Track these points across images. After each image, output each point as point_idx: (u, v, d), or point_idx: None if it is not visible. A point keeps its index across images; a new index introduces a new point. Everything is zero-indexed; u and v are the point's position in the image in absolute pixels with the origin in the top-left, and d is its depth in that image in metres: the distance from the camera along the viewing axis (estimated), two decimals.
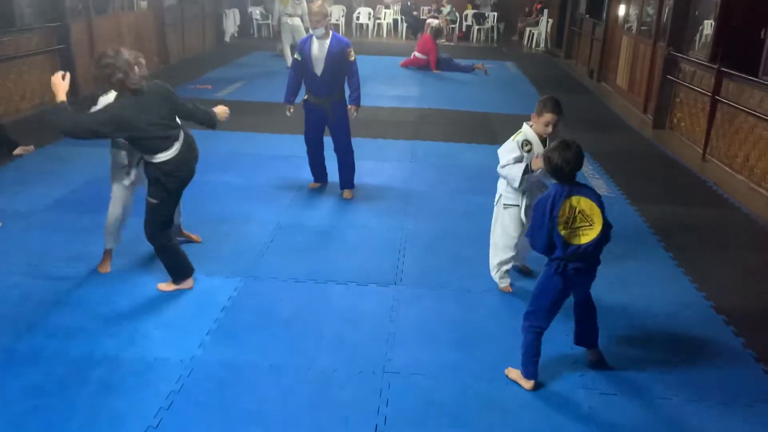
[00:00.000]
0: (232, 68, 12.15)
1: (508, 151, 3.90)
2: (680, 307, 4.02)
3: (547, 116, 3.80)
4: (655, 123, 8.62)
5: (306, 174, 5.93)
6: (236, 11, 16.36)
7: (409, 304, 3.93)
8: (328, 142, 5.74)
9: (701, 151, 7.23)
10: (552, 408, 3.04)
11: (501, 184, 4.06)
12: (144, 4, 11.83)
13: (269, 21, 16.88)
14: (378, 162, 6.69)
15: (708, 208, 5.75)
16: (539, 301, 3.14)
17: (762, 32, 6.27)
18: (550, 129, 3.85)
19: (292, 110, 5.65)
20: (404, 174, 6.39)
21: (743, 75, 6.49)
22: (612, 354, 3.46)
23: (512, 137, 3.95)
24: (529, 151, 3.85)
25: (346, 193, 5.70)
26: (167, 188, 3.74)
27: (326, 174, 5.91)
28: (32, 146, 4.16)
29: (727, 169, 6.72)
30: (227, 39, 15.70)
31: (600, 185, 6.20)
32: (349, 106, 5.62)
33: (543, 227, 3.02)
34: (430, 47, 12.40)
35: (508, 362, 3.35)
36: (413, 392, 3.10)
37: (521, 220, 3.97)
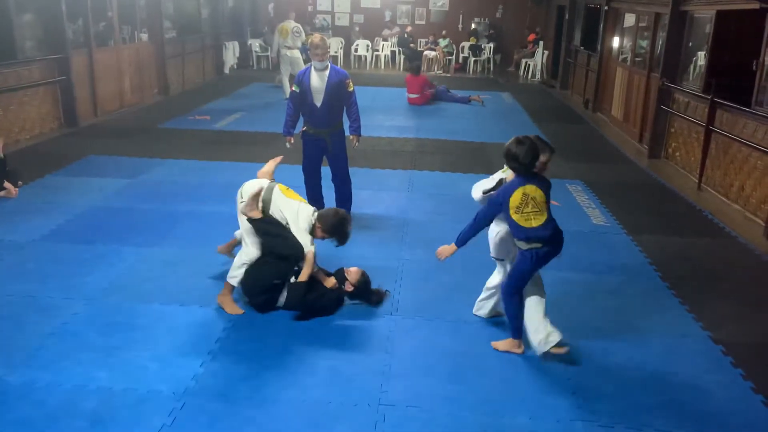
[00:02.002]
0: (231, 99, 12.27)
1: (487, 180, 3.87)
2: (678, 337, 4.00)
3: (544, 157, 3.64)
4: (651, 153, 8.68)
5: None
6: (236, 44, 16.57)
7: (405, 335, 3.91)
8: (325, 172, 5.77)
9: (697, 181, 7.27)
10: None
11: (490, 243, 3.97)
12: (145, 37, 12.00)
13: (268, 53, 17.08)
14: (375, 192, 6.72)
15: (704, 238, 5.76)
16: (519, 281, 3.59)
17: (753, 64, 6.36)
18: (545, 168, 3.71)
19: (292, 141, 5.69)
20: (401, 204, 6.41)
21: (736, 106, 6.56)
22: (610, 384, 3.43)
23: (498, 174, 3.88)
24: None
25: None
26: None
27: (323, 204, 5.92)
28: (16, 190, 4.19)
29: (722, 198, 6.74)
30: (227, 71, 15.87)
31: (596, 215, 6.22)
32: (350, 137, 5.67)
33: (492, 206, 3.58)
34: (420, 83, 12.39)
35: (504, 393, 3.33)
36: (409, 425, 3.07)
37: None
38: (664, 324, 4.14)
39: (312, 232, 4.08)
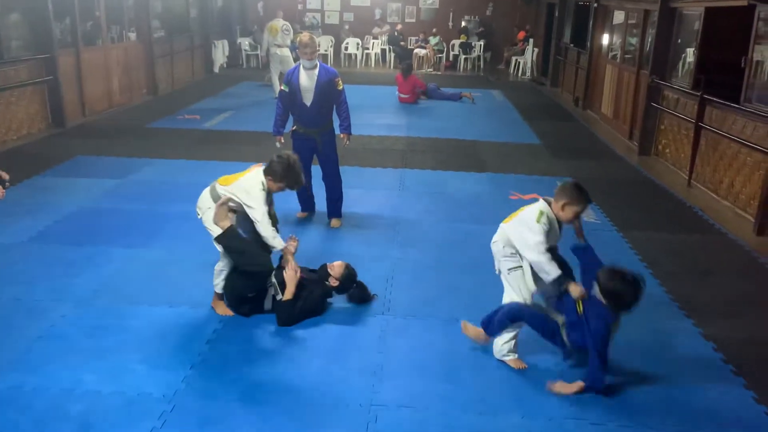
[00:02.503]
0: (221, 98, 12.21)
1: (532, 232, 3.43)
2: (669, 334, 4.00)
3: (578, 208, 3.48)
4: (641, 150, 8.71)
5: (293, 203, 5.91)
6: (225, 42, 16.49)
7: (398, 334, 3.89)
8: (315, 171, 5.74)
9: (687, 178, 7.30)
10: None
11: (497, 252, 3.64)
12: (133, 36, 11.91)
13: (258, 52, 17.01)
14: (366, 190, 6.69)
15: (694, 234, 5.78)
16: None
17: (742, 60, 6.38)
18: (575, 219, 3.55)
19: (282, 141, 5.65)
20: (392, 202, 6.39)
21: (725, 102, 6.59)
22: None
23: (533, 216, 3.48)
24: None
25: (334, 222, 5.68)
26: None
27: (314, 203, 5.90)
28: (3, 191, 4.13)
29: (712, 194, 6.77)
30: (216, 70, 15.79)
31: (587, 212, 6.21)
32: (341, 135, 5.64)
33: (604, 341, 3.27)
34: (411, 85, 12.37)
35: (497, 392, 3.32)
36: (401, 425, 3.05)
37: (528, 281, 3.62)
38: (654, 321, 4.14)
39: (267, 191, 3.98)
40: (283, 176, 3.95)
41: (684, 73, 8.28)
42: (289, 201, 6.00)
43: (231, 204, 3.96)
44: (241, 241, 3.93)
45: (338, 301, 4.24)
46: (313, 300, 4.01)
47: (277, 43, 11.96)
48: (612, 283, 3.24)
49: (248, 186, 3.94)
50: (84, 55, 9.81)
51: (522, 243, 3.47)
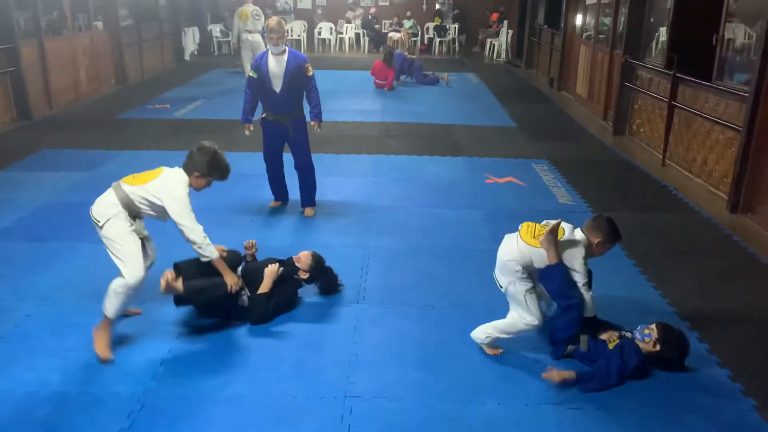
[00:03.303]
0: (192, 87, 11.99)
1: (583, 270, 3.42)
2: (644, 313, 3.98)
3: (611, 246, 3.52)
4: (615, 130, 8.71)
5: (266, 193, 5.81)
6: (195, 29, 16.19)
7: (372, 324, 3.84)
8: (287, 159, 5.64)
9: (661, 157, 7.31)
10: (518, 426, 2.97)
11: (511, 271, 3.41)
12: (99, 25, 11.62)
13: (229, 38, 16.75)
14: (340, 178, 6.61)
15: (669, 213, 5.79)
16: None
17: (713, 38, 6.37)
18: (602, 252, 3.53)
19: (252, 129, 5.54)
20: (367, 189, 6.32)
21: (698, 80, 6.59)
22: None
23: (578, 260, 3.39)
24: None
25: (308, 211, 5.60)
26: None
27: (287, 192, 5.80)
28: None
29: (686, 173, 6.79)
30: (187, 57, 15.52)
31: (562, 194, 6.21)
32: (311, 123, 5.54)
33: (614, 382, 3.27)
34: (386, 72, 12.27)
35: (473, 380, 3.29)
36: (376, 416, 3.00)
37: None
38: (631, 301, 4.13)
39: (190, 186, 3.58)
40: (211, 168, 3.54)
41: (657, 53, 8.27)
42: (262, 191, 5.91)
43: (137, 207, 3.52)
44: (194, 285, 3.52)
45: (310, 293, 4.16)
46: (285, 295, 3.90)
47: (247, 28, 11.76)
48: (675, 337, 3.34)
49: (171, 186, 3.46)
50: (48, 45, 9.54)
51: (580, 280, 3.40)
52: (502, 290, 3.48)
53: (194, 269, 3.67)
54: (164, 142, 7.88)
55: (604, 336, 3.46)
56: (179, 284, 3.51)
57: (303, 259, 4.01)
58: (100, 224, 3.50)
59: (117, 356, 3.41)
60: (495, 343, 3.52)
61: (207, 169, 3.56)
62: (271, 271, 3.81)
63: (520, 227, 3.52)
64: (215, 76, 13.33)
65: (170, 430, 2.88)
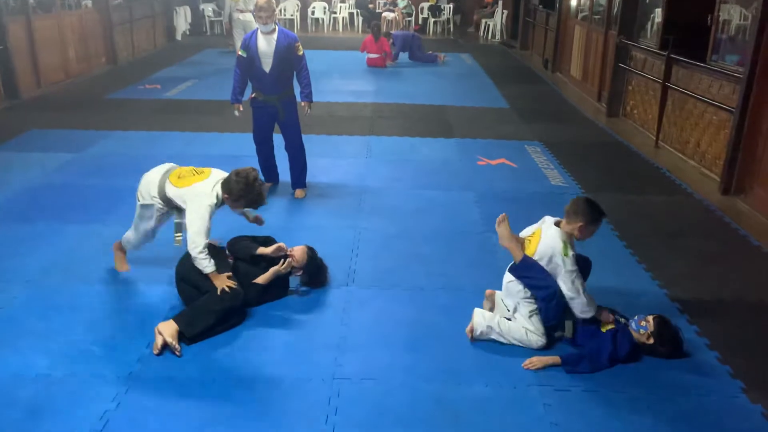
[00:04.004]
0: (183, 67, 11.85)
1: (573, 269, 3.33)
2: (635, 296, 3.99)
3: (596, 227, 3.39)
4: (609, 111, 8.66)
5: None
6: (187, 9, 15.97)
7: (362, 306, 3.82)
8: (278, 140, 5.58)
9: (654, 138, 7.28)
10: (505, 408, 2.96)
11: (514, 292, 3.42)
12: (89, 3, 11.44)
13: (221, 18, 16.54)
14: (332, 159, 6.55)
15: (661, 195, 5.77)
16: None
17: (708, 19, 6.31)
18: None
19: (241, 109, 5.47)
20: (359, 171, 6.27)
21: (692, 61, 6.53)
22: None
23: (557, 252, 3.30)
24: None
25: (298, 193, 5.55)
26: None
27: (277, 174, 5.75)
28: None
29: (679, 155, 6.76)
30: (179, 37, 15.33)
31: (554, 176, 6.17)
32: (301, 103, 5.48)
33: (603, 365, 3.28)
34: (378, 46, 12.17)
35: (460, 361, 3.28)
36: (364, 398, 2.99)
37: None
38: (621, 283, 4.12)
39: (218, 206, 3.67)
40: (241, 195, 3.60)
41: (652, 34, 8.20)
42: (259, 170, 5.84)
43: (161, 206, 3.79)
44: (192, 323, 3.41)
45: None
46: (277, 287, 3.82)
47: (239, 8, 11.66)
48: (671, 334, 3.32)
49: (200, 195, 3.59)
50: (36, 23, 9.38)
51: (570, 290, 3.31)
52: (509, 314, 3.44)
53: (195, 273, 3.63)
54: (154, 122, 7.79)
55: (598, 317, 3.42)
56: (175, 341, 3.31)
57: (298, 255, 3.86)
58: (140, 202, 3.87)
59: (103, 339, 3.38)
60: (484, 337, 3.42)
61: (237, 195, 3.63)
62: (276, 269, 3.71)
63: None
64: (207, 55, 13.18)
65: (155, 412, 2.86)
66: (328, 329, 3.55)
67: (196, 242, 3.51)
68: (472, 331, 3.42)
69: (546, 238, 3.36)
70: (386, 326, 3.60)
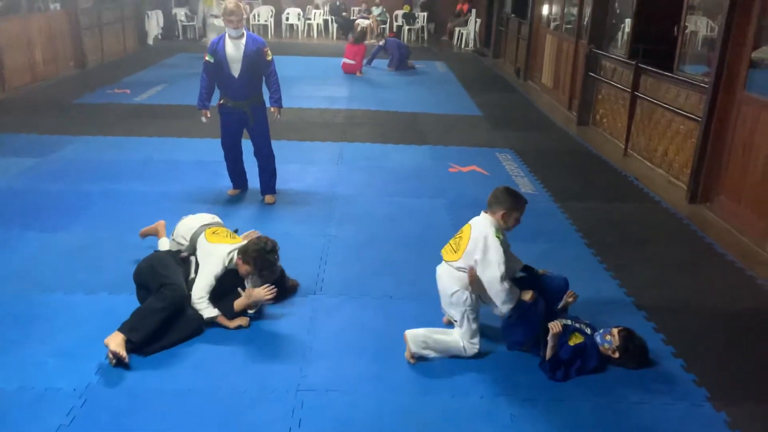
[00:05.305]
0: (154, 71, 11.69)
1: (498, 254, 3.23)
2: (602, 303, 4.00)
3: (518, 213, 3.37)
4: (579, 120, 8.74)
5: (225, 180, 5.68)
6: (159, 12, 15.79)
7: (329, 315, 3.76)
8: (246, 146, 5.51)
9: (623, 147, 7.36)
10: (473, 418, 2.93)
11: (457, 302, 3.31)
12: (57, 6, 11.24)
13: (194, 22, 16.40)
14: (303, 165, 6.49)
15: (629, 203, 5.82)
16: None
17: (675, 29, 6.41)
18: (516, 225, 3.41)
19: (209, 115, 5.39)
20: (330, 177, 6.22)
21: (659, 71, 6.62)
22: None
23: (490, 233, 3.26)
24: None
25: (268, 198, 5.48)
26: None
27: (246, 180, 5.67)
28: None
29: (647, 163, 6.84)
30: (150, 41, 15.12)
31: (525, 183, 6.19)
32: (271, 109, 5.42)
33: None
34: (356, 52, 12.22)
35: (427, 371, 3.24)
36: (328, 410, 2.94)
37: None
38: (589, 291, 4.12)
39: (229, 267, 3.66)
40: (253, 260, 3.55)
41: (622, 44, 8.31)
42: (221, 177, 5.78)
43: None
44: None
45: None
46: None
47: (213, 13, 11.71)
48: (635, 348, 3.32)
49: (213, 256, 3.65)
50: (1, 25, 9.19)
51: (494, 276, 3.21)
52: (456, 323, 3.35)
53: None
54: (122, 127, 7.66)
55: (559, 325, 3.37)
56: (122, 350, 3.20)
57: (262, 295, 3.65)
58: (175, 243, 4.02)
59: (60, 351, 3.28)
60: (420, 354, 3.31)
61: (249, 258, 3.59)
62: (259, 294, 3.54)
63: (442, 254, 3.44)
64: (179, 60, 13.02)
65: (112, 426, 2.78)
66: (294, 339, 3.50)
67: (196, 289, 3.57)
68: (411, 356, 3.31)
69: (477, 225, 3.33)
70: (354, 335, 3.55)
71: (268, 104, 5.40)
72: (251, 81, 5.20)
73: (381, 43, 13.04)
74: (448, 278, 3.35)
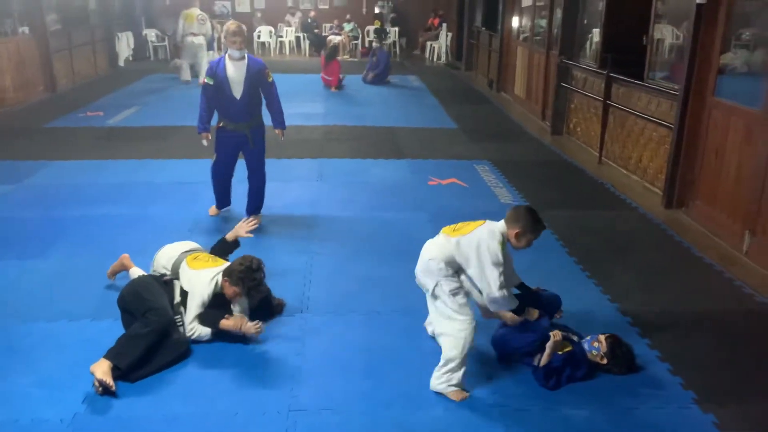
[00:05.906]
0: (126, 93, 11.60)
1: (496, 261, 3.13)
2: (587, 311, 4.04)
3: (533, 237, 3.25)
4: (553, 129, 8.87)
5: (204, 200, 5.64)
6: (130, 34, 15.70)
7: (317, 333, 3.74)
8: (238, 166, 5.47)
9: (597, 155, 7.47)
10: (467, 431, 2.93)
11: (434, 271, 3.19)
12: (26, 30, 11.11)
13: (165, 43, 16.33)
14: (283, 183, 6.47)
15: (607, 210, 5.91)
16: None
17: (644, 38, 6.55)
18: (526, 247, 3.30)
19: (210, 138, 5.30)
20: (311, 194, 6.21)
21: (630, 79, 6.76)
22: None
23: (493, 238, 3.16)
24: None
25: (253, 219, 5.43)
26: None
27: (230, 199, 5.63)
28: None
29: (622, 170, 6.96)
30: (121, 63, 15.02)
31: (503, 194, 6.25)
32: (276, 131, 5.41)
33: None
34: (331, 68, 12.30)
35: (419, 386, 3.24)
36: (321, 429, 2.91)
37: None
38: (573, 299, 4.15)
39: (217, 293, 3.62)
40: (239, 280, 3.49)
41: (591, 53, 8.47)
42: (200, 198, 5.74)
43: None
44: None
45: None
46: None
47: (192, 31, 11.78)
48: (623, 353, 3.37)
49: (200, 283, 3.60)
50: None
51: (480, 274, 3.13)
52: (428, 294, 3.23)
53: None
54: (95, 150, 7.57)
55: (560, 333, 3.37)
56: (108, 377, 3.15)
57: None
58: (151, 268, 4.03)
59: (44, 381, 3.21)
60: (457, 382, 3.15)
61: (236, 279, 3.53)
62: (248, 328, 3.50)
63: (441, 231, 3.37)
64: (151, 81, 12.94)
65: None
66: (283, 359, 3.47)
67: (189, 313, 3.57)
68: (459, 397, 3.18)
69: (488, 225, 3.23)
70: (343, 353, 3.54)
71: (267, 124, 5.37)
72: (252, 102, 5.15)
73: (374, 59, 13.17)
74: (434, 245, 3.23)
